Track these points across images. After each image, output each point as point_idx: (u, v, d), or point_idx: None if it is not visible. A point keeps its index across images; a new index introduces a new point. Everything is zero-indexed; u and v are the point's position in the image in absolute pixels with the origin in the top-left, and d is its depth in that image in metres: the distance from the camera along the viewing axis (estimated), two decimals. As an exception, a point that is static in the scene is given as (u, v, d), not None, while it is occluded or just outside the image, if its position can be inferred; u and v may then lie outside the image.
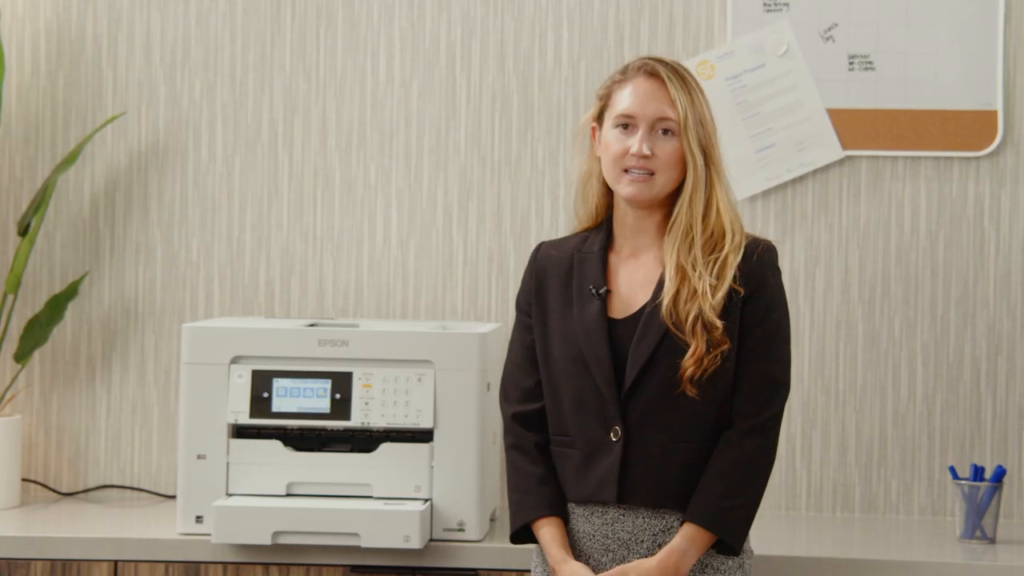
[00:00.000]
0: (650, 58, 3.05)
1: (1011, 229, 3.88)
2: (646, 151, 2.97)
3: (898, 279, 3.90)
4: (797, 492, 3.93)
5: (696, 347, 2.93)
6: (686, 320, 2.93)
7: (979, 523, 3.58)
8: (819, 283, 3.92)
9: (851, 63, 3.89)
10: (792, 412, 3.91)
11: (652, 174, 2.98)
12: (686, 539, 2.94)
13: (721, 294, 2.95)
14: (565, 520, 3.05)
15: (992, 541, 3.58)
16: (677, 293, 2.95)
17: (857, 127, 3.90)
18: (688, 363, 2.93)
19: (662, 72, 3.00)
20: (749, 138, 3.91)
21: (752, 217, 3.92)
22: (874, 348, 3.91)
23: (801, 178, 3.93)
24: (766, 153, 3.91)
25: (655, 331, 2.96)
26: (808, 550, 3.53)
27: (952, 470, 3.65)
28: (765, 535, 3.64)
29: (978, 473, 3.60)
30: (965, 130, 3.87)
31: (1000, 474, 3.59)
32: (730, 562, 2.99)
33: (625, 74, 3.04)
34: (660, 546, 2.97)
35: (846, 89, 3.90)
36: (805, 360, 3.91)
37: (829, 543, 3.64)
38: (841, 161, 3.91)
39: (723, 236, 2.99)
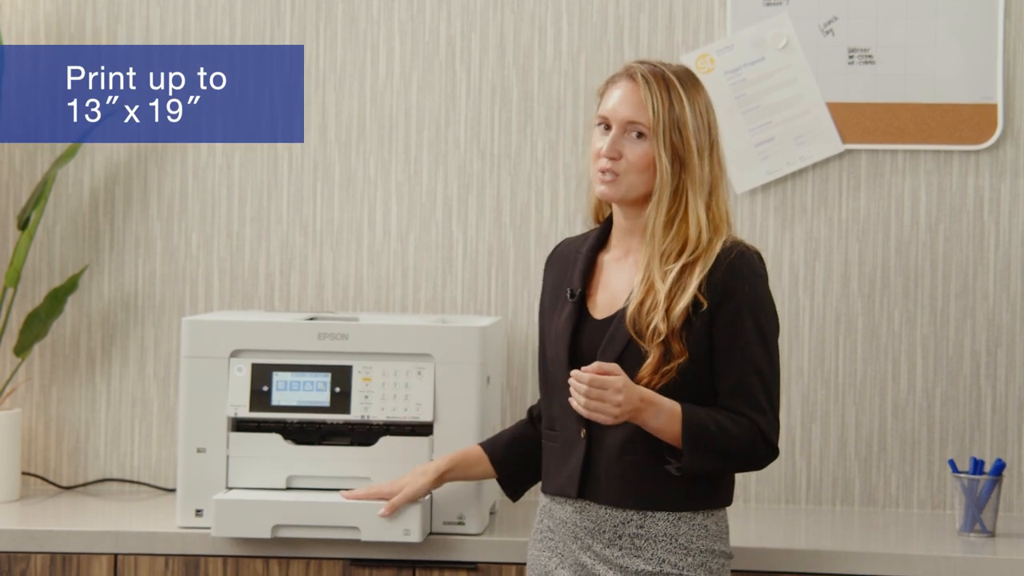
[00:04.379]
0: (640, 61, 3.07)
1: (1011, 222, 3.88)
2: (611, 153, 3.01)
3: (898, 272, 3.90)
4: (797, 485, 3.93)
5: (653, 358, 2.96)
6: (646, 329, 2.97)
7: (978, 516, 3.58)
8: (819, 276, 3.92)
9: (851, 57, 3.89)
10: (792, 405, 3.91)
11: (617, 175, 3.02)
12: (668, 402, 2.94)
13: (682, 306, 2.96)
14: (493, 460, 3.32)
15: (991, 534, 3.59)
16: (641, 302, 2.99)
17: (857, 121, 3.90)
18: (644, 372, 2.96)
19: (639, 76, 3.02)
20: (749, 132, 3.91)
21: (752, 211, 3.92)
22: (874, 341, 3.91)
23: (801, 172, 3.93)
24: (766, 147, 3.91)
25: (621, 338, 3.00)
26: (808, 543, 3.53)
27: (952, 463, 3.65)
28: (765, 528, 3.64)
29: (978, 466, 3.61)
30: (965, 123, 3.87)
31: (999, 467, 3.59)
32: (690, 559, 3.01)
33: (616, 75, 3.09)
34: (620, 537, 3.01)
35: (846, 83, 3.90)
36: (805, 353, 3.91)
37: (829, 536, 3.64)
38: (841, 155, 3.91)
39: (686, 244, 3.01)
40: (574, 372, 2.90)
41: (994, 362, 3.88)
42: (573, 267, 3.12)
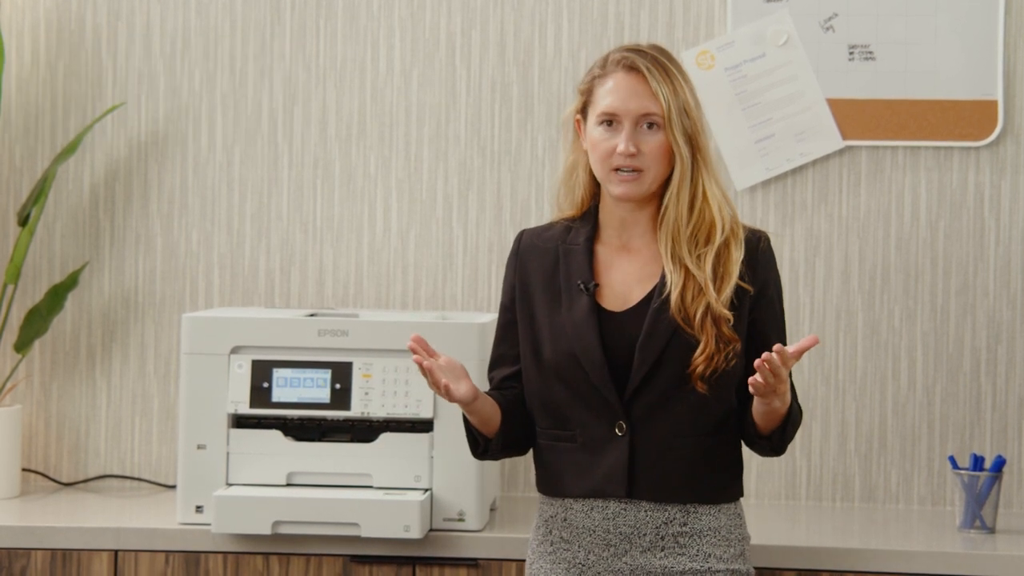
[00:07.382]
0: (628, 50, 3.00)
1: (1011, 219, 3.88)
2: (632, 149, 2.94)
3: (898, 269, 3.90)
4: (797, 482, 3.93)
5: (706, 344, 2.91)
6: (695, 316, 2.92)
7: (979, 513, 3.58)
8: (819, 273, 3.92)
9: (851, 53, 3.89)
10: (792, 402, 3.91)
11: (641, 171, 2.95)
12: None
13: (729, 291, 2.94)
14: (504, 412, 3.02)
15: (991, 531, 3.59)
16: (684, 289, 2.93)
17: (857, 117, 3.90)
18: (699, 360, 2.91)
19: (641, 65, 2.96)
20: (749, 128, 3.91)
21: (752, 207, 3.92)
22: (874, 338, 3.91)
23: (801, 168, 3.93)
24: (766, 143, 3.91)
25: (664, 328, 2.93)
26: (808, 539, 3.53)
27: (952, 460, 3.65)
28: (765, 524, 3.64)
29: (978, 463, 3.61)
30: (965, 120, 3.87)
31: (1000, 464, 3.59)
32: (732, 550, 2.99)
33: (604, 68, 3.01)
34: (663, 538, 2.96)
35: (846, 79, 3.89)
36: (805, 350, 3.91)
37: (829, 532, 3.64)
38: (841, 151, 3.91)
39: (712, 225, 2.97)
40: (778, 347, 2.80)
41: (994, 359, 3.88)
42: (565, 259, 3.03)
